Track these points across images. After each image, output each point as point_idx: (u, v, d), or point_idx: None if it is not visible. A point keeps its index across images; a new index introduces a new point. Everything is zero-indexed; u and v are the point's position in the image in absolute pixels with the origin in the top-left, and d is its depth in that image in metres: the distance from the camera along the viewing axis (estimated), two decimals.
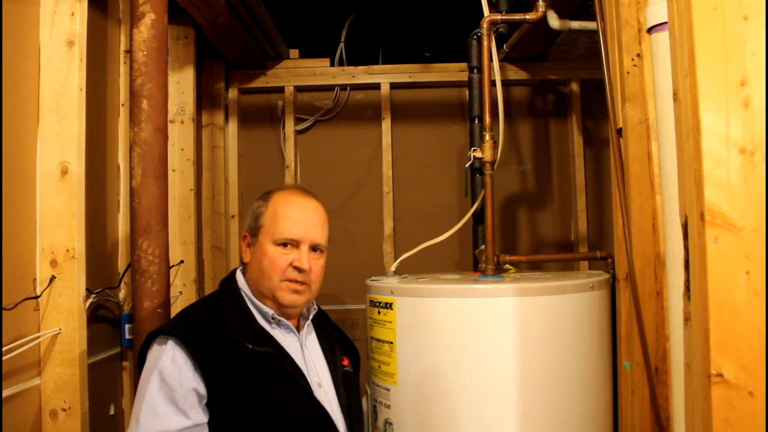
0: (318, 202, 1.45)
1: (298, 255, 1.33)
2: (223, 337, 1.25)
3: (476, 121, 2.26)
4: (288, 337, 1.36)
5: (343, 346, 1.52)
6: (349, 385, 1.43)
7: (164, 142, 1.66)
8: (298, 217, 1.36)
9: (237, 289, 1.37)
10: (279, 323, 1.35)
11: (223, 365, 1.21)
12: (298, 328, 1.40)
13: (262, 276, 1.33)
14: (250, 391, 1.22)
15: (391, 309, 1.73)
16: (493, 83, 2.00)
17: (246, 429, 1.21)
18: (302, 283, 1.33)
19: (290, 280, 1.32)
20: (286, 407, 1.25)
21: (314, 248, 1.37)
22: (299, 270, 1.32)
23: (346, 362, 1.47)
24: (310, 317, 1.43)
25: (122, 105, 2.09)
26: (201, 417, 1.19)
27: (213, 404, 1.20)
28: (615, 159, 1.48)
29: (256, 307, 1.35)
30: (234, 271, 1.43)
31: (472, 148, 2.06)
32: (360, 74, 3.05)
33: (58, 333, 1.57)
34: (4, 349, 1.40)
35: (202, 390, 1.19)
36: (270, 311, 1.34)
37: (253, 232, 1.39)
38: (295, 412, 1.26)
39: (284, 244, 1.33)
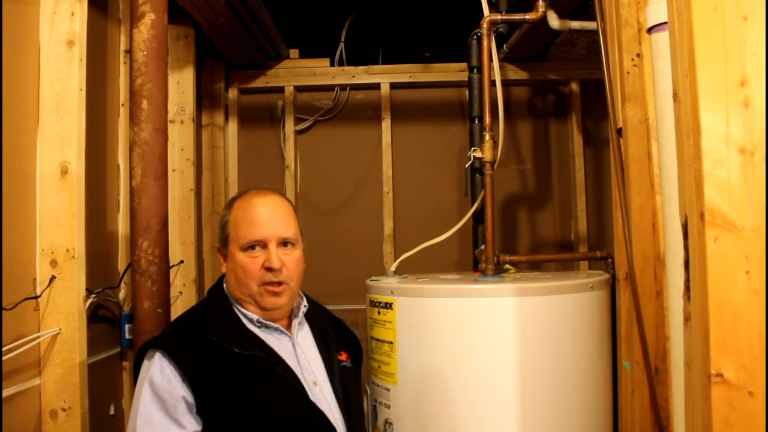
0: (279, 197, 1.40)
1: (268, 255, 1.30)
2: (211, 344, 1.25)
3: (476, 121, 2.26)
4: (279, 338, 1.35)
5: (341, 340, 1.50)
6: (347, 380, 1.41)
7: (164, 142, 1.66)
8: (257, 217, 1.32)
9: (224, 295, 1.37)
10: (267, 327, 1.34)
11: (212, 373, 1.21)
12: (289, 328, 1.38)
13: (240, 285, 1.32)
14: (240, 396, 1.21)
15: (391, 309, 1.73)
16: (493, 83, 2.00)
17: None
18: (280, 284, 1.31)
19: (266, 283, 1.30)
20: (278, 410, 1.24)
21: (284, 243, 1.33)
22: (272, 270, 1.29)
23: (343, 357, 1.45)
24: (300, 314, 1.41)
25: (122, 105, 2.09)
26: (194, 425, 1.19)
27: (204, 412, 1.20)
28: (615, 159, 1.48)
29: (242, 313, 1.34)
30: (221, 278, 1.42)
31: (472, 148, 2.06)
32: (360, 74, 3.05)
33: (58, 333, 1.57)
34: (4, 349, 1.40)
35: (191, 399, 1.19)
36: (255, 316, 1.33)
37: (223, 243, 1.38)
38: (287, 414, 1.25)
39: (251, 247, 1.31)
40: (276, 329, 1.35)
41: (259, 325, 1.33)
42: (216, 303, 1.36)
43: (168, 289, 1.67)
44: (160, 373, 1.21)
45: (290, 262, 1.33)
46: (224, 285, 1.40)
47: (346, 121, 3.10)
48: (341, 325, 1.55)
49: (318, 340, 1.43)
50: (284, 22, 2.81)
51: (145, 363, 1.26)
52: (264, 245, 1.31)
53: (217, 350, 1.25)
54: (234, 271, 1.33)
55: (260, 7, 2.44)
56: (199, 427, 1.19)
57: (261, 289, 1.30)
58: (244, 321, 1.34)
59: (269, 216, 1.34)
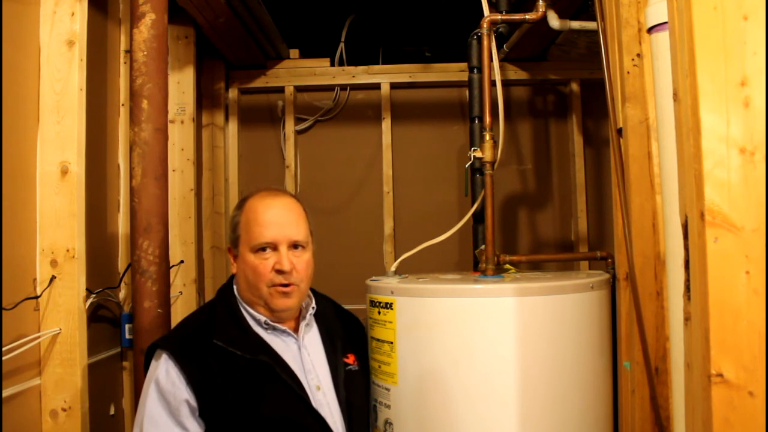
0: (290, 199, 1.40)
1: (278, 257, 1.30)
2: (216, 348, 1.26)
3: (476, 121, 2.26)
4: (285, 340, 1.35)
5: (350, 341, 1.49)
6: (351, 384, 1.41)
7: (164, 142, 1.66)
8: (269, 219, 1.33)
9: (233, 296, 1.38)
10: (274, 329, 1.35)
11: (216, 377, 1.22)
12: (296, 330, 1.39)
13: (250, 286, 1.33)
14: (242, 401, 1.22)
15: (391, 309, 1.73)
16: (493, 83, 2.00)
17: None
18: (289, 285, 1.31)
19: (276, 285, 1.30)
20: (280, 417, 1.25)
21: (294, 246, 1.34)
22: (282, 272, 1.30)
23: (351, 359, 1.45)
24: (308, 316, 1.41)
25: (122, 105, 2.09)
26: (197, 428, 1.20)
27: (206, 416, 1.21)
28: (615, 159, 1.48)
29: (250, 314, 1.35)
30: (231, 278, 1.43)
31: (472, 148, 2.05)
32: (360, 74, 3.05)
33: (58, 333, 1.57)
34: (4, 349, 1.40)
35: (193, 402, 1.21)
36: (263, 318, 1.33)
37: (234, 243, 1.38)
38: (288, 421, 1.25)
39: (262, 249, 1.31)
40: (282, 332, 1.35)
41: (266, 327, 1.34)
42: (224, 304, 1.37)
43: (168, 289, 1.67)
44: (165, 375, 1.22)
45: (300, 264, 1.34)
46: (234, 285, 1.40)
47: (346, 121, 3.10)
48: (349, 325, 1.54)
49: (325, 342, 1.43)
50: (284, 22, 2.81)
51: (153, 363, 1.27)
52: (275, 247, 1.31)
53: (221, 354, 1.25)
54: (244, 273, 1.34)
55: (260, 7, 2.44)
56: (201, 430, 1.21)
57: (271, 290, 1.31)
58: (251, 322, 1.34)
59: (280, 218, 1.34)
